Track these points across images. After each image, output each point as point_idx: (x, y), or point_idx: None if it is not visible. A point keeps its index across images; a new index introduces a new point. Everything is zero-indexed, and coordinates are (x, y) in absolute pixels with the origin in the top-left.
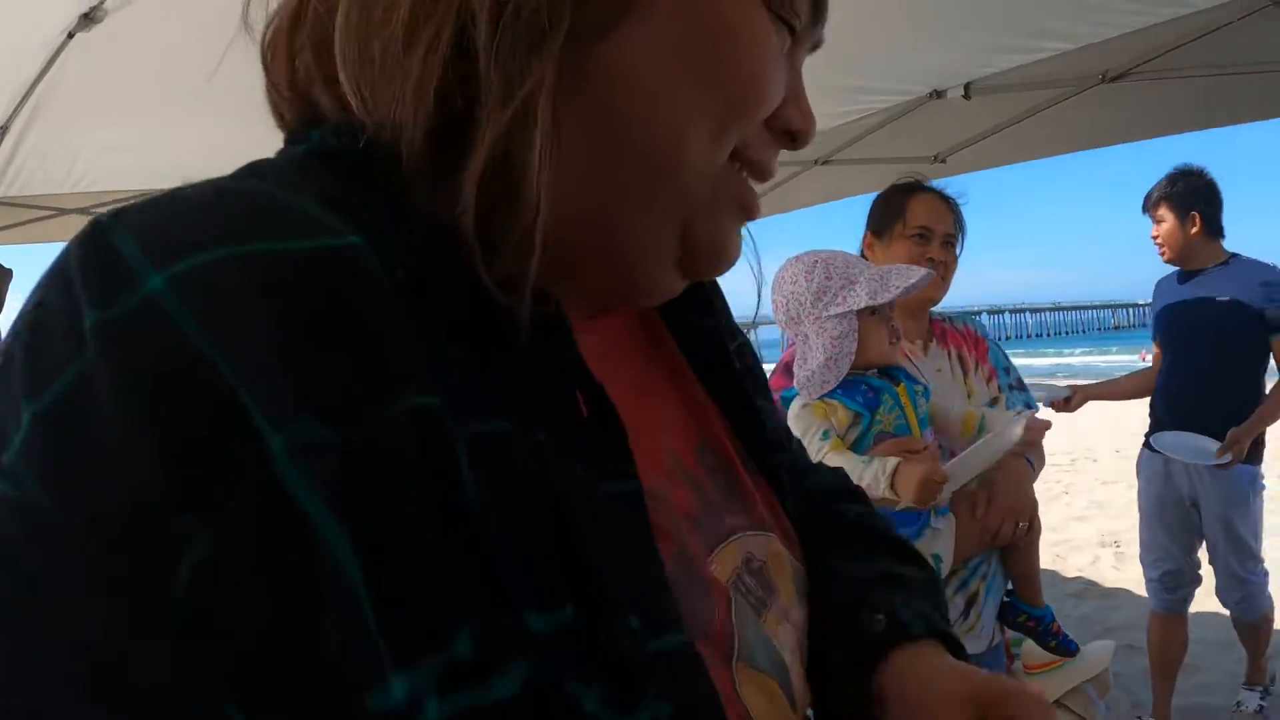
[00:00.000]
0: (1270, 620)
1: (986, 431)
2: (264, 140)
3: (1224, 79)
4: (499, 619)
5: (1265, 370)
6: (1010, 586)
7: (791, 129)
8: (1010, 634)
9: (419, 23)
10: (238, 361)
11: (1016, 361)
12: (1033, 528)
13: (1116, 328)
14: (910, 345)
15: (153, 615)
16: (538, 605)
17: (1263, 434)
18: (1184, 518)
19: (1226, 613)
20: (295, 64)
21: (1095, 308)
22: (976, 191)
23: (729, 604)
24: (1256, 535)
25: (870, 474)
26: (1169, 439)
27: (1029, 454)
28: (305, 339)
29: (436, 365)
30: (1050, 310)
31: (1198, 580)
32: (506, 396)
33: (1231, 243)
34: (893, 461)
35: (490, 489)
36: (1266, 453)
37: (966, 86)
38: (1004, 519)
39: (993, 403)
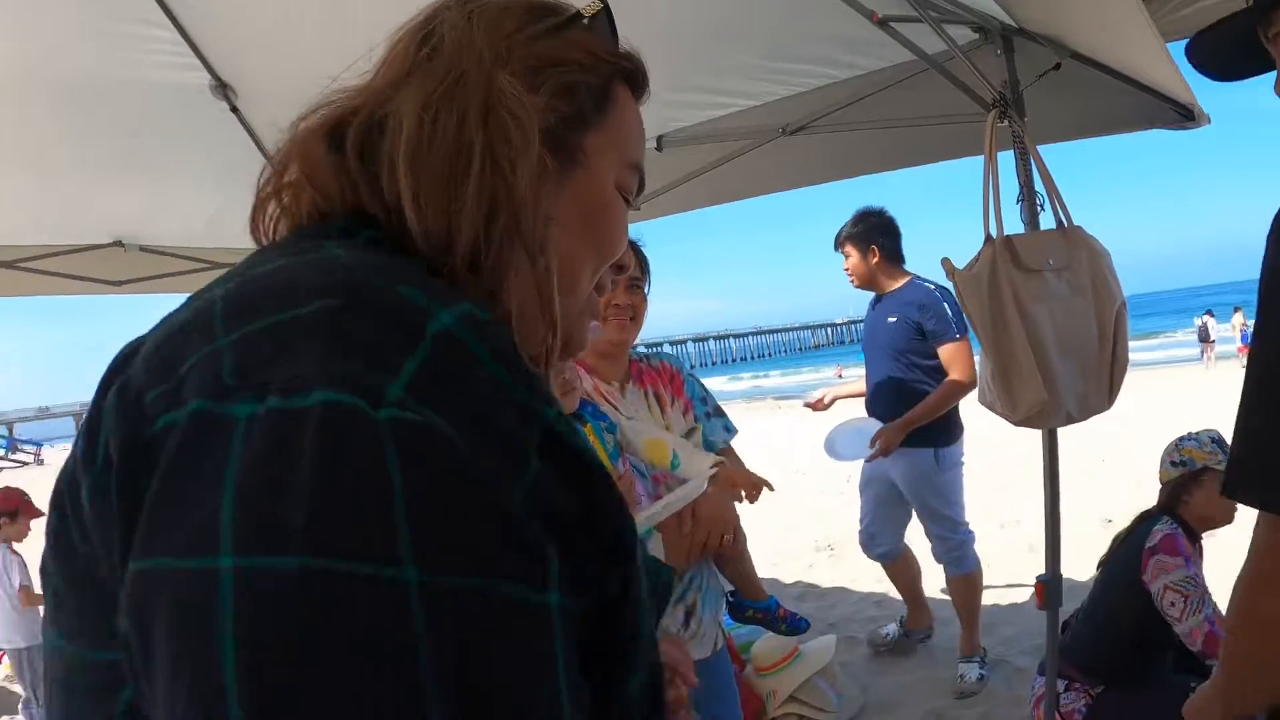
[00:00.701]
0: (977, 582)
1: (679, 465)
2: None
3: (889, 131)
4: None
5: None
6: (732, 589)
7: (622, 263)
8: (738, 639)
9: (485, 186)
10: (508, 370)
11: (717, 385)
12: (738, 537)
13: (817, 347)
14: (608, 387)
15: (489, 510)
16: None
17: (957, 419)
18: (887, 490)
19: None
20: (341, 167)
21: (795, 329)
22: (678, 231)
23: None
24: (951, 503)
25: None
26: (838, 444)
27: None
28: (522, 360)
29: None
30: (753, 334)
31: (892, 539)
32: None
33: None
34: None
35: None
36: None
37: (659, 139)
38: (709, 532)
39: (689, 433)
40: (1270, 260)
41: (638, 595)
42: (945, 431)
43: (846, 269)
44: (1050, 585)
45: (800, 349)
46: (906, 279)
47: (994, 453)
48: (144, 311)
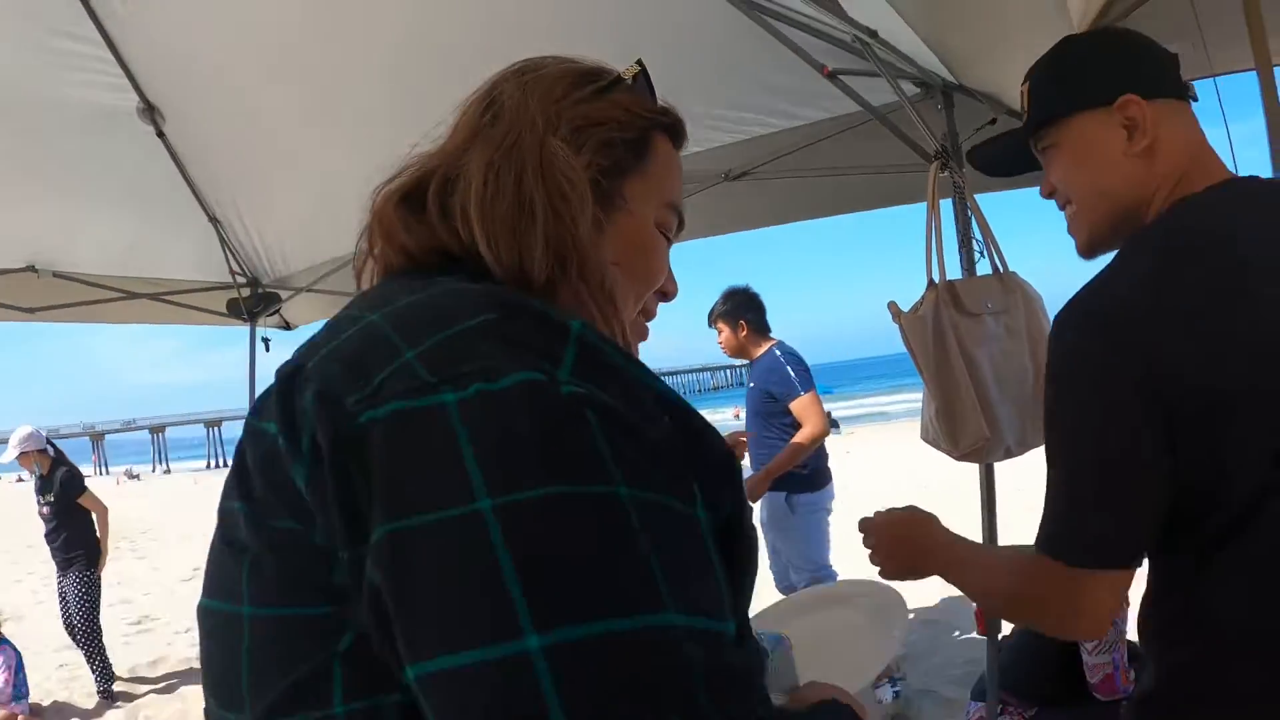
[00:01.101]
0: None
1: None
2: None
3: (827, 178)
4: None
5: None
6: None
7: (666, 292)
8: None
9: (550, 235)
10: (625, 357)
11: None
12: None
13: (716, 388)
14: None
15: (652, 449)
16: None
17: (822, 469)
18: (765, 533)
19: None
20: (421, 220)
21: (695, 371)
22: None
23: None
24: (809, 545)
25: None
26: None
27: None
28: (629, 351)
29: None
30: None
31: (783, 579)
32: None
33: (834, 297)
34: None
35: None
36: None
37: None
38: None
39: None
40: (1051, 364)
41: (744, 510)
42: (803, 480)
43: (720, 343)
44: None
45: (700, 390)
46: (767, 346)
47: (911, 492)
48: (63, 339)
